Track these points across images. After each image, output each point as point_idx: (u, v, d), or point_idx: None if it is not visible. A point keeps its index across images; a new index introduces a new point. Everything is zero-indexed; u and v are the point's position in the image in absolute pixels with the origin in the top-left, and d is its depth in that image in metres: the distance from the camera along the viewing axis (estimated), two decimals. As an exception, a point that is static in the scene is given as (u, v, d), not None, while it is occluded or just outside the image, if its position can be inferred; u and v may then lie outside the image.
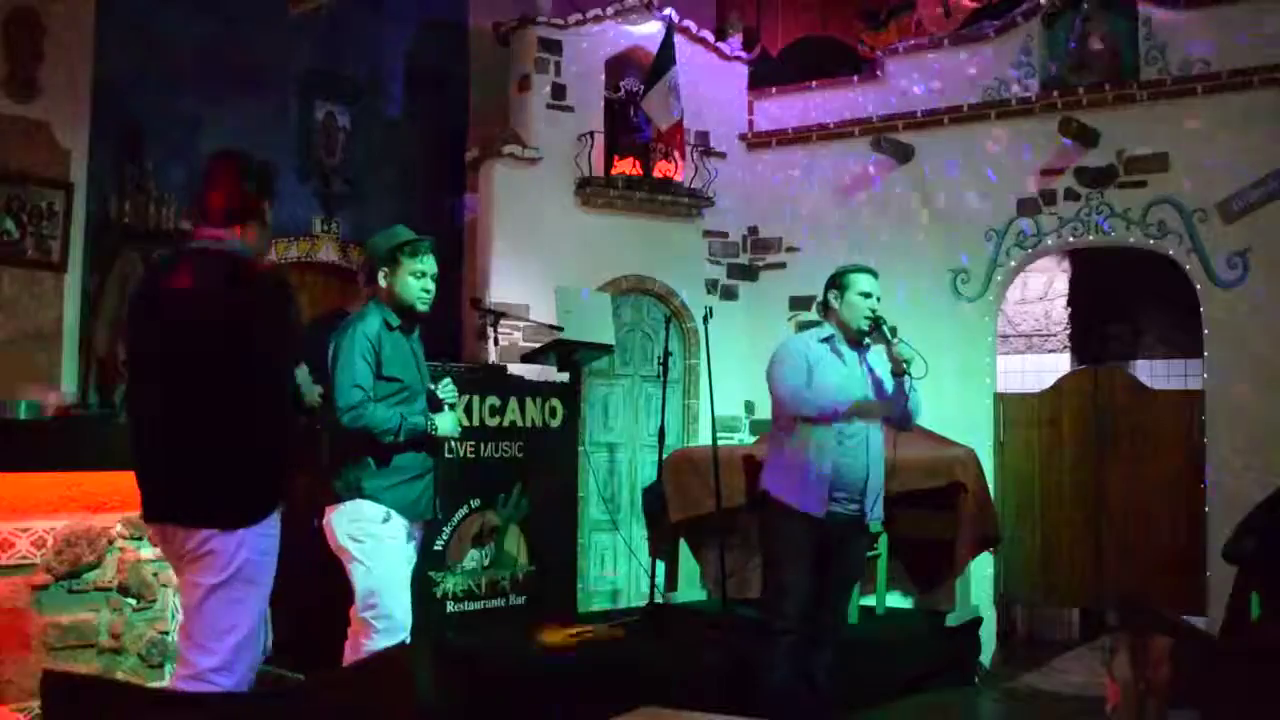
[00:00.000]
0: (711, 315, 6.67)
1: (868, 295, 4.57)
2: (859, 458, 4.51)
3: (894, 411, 4.58)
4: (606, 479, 7.81)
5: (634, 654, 5.88)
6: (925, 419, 7.10)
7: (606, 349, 6.55)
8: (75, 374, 6.25)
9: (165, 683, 4.24)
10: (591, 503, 7.61)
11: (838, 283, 4.65)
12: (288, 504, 3.27)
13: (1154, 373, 8.93)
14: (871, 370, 4.63)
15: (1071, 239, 7.30)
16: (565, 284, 6.79)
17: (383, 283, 4.06)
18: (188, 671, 3.12)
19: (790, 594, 4.53)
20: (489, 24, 8.16)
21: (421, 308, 4.07)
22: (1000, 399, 7.56)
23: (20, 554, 4.25)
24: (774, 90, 8.49)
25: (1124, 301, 9.24)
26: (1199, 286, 6.84)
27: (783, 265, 8.29)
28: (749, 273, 8.44)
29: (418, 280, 4.04)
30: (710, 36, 8.44)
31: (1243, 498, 5.69)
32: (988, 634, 7.07)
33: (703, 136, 8.26)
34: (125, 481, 3.38)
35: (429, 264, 4.07)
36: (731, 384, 7.74)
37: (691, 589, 7.54)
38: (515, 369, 6.31)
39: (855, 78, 8.18)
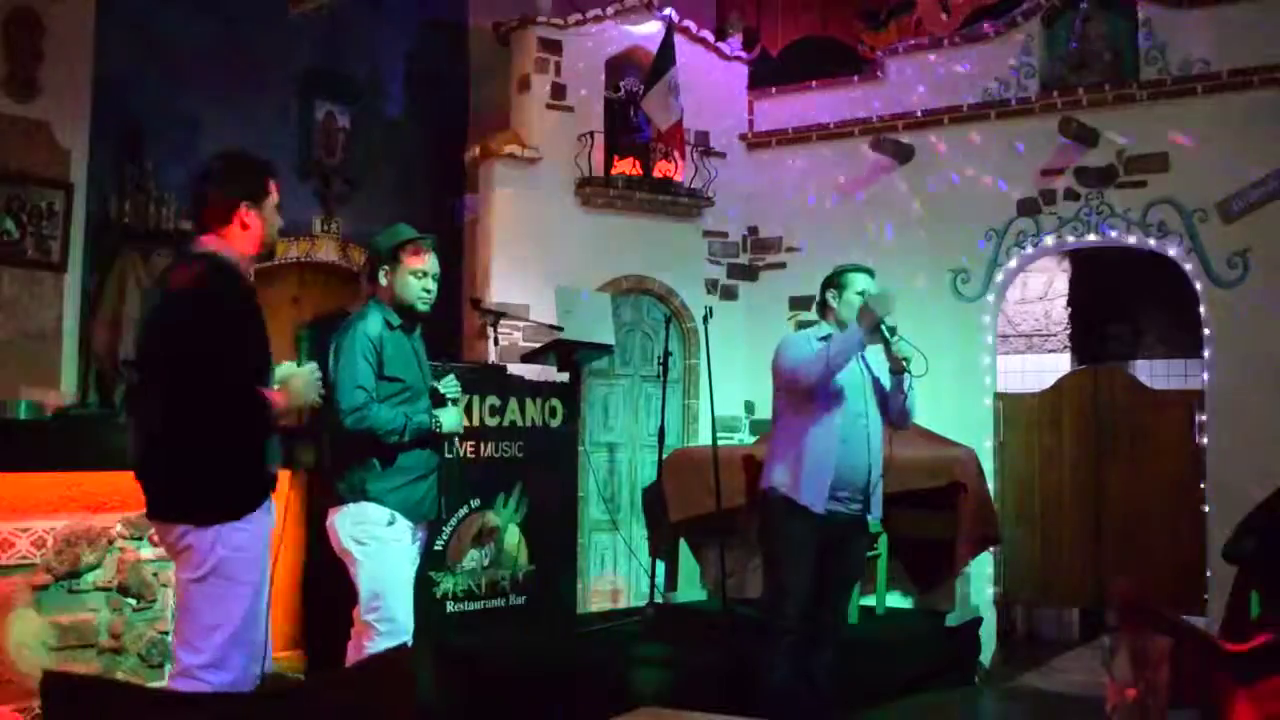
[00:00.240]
0: (711, 315, 6.66)
1: (865, 294, 4.57)
2: (860, 455, 4.51)
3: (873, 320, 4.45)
4: (606, 479, 7.81)
5: (634, 654, 5.88)
6: (925, 419, 7.13)
7: (606, 349, 6.55)
8: (75, 374, 6.25)
9: (164, 683, 4.24)
10: (591, 503, 7.61)
11: (835, 282, 4.66)
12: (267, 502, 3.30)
13: (1154, 373, 8.93)
14: (870, 369, 4.64)
15: (1071, 239, 7.30)
16: (565, 284, 6.79)
17: (383, 281, 4.02)
18: (178, 669, 3.15)
19: (790, 594, 4.52)
20: (489, 24, 8.16)
21: (422, 307, 4.04)
22: (1000, 399, 7.56)
23: (20, 554, 4.25)
24: (774, 90, 8.49)
25: (1124, 301, 9.24)
26: (1199, 286, 6.84)
27: (783, 265, 8.29)
28: (749, 273, 8.44)
29: (419, 280, 4.01)
30: (710, 36, 8.44)
31: (1243, 498, 5.68)
32: (988, 634, 7.07)
33: (703, 136, 8.26)
34: (125, 481, 3.38)
35: (431, 263, 4.04)
36: (731, 384, 7.74)
37: (691, 589, 7.54)
38: (515, 369, 6.31)
39: (855, 78, 8.19)
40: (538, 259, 7.56)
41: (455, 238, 7.91)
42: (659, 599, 6.77)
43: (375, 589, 3.87)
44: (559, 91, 7.84)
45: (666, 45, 7.62)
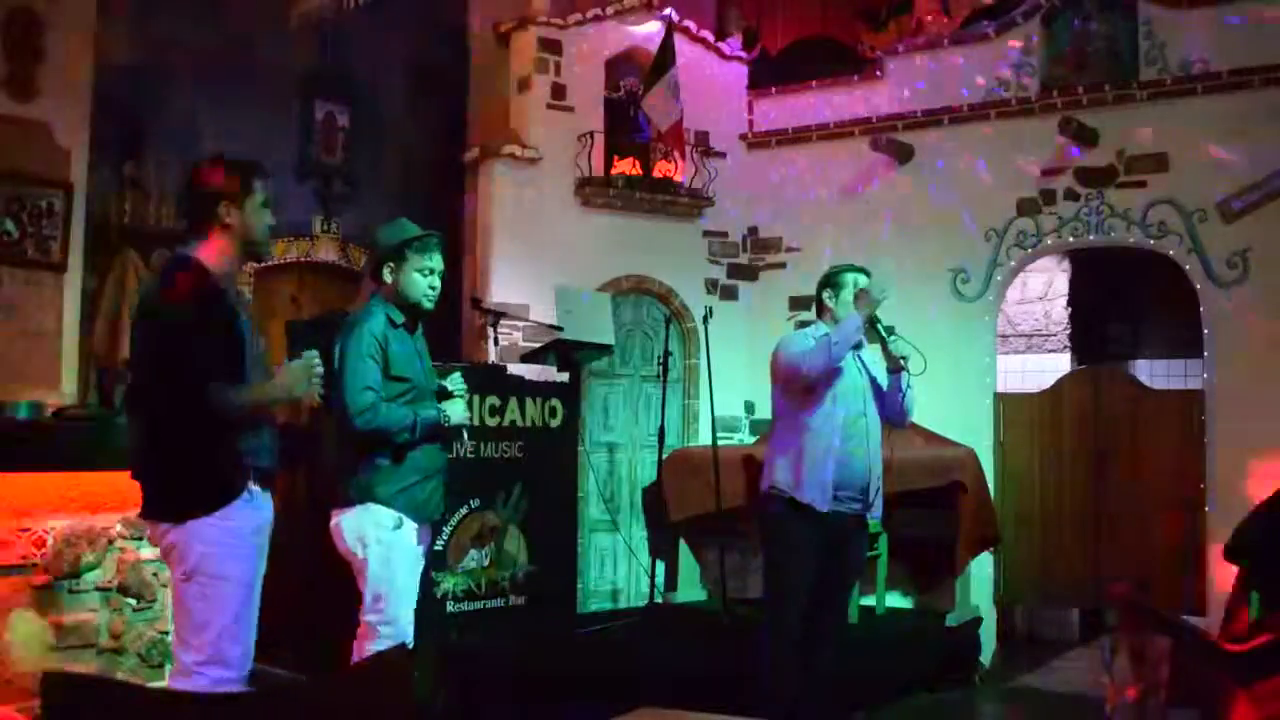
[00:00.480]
0: (711, 315, 6.67)
1: (865, 293, 4.58)
2: (860, 455, 4.51)
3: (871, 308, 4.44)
4: (606, 479, 7.81)
5: (634, 654, 5.88)
6: (925, 419, 7.15)
7: (606, 349, 6.56)
8: (75, 374, 6.25)
9: (164, 682, 4.24)
10: (591, 503, 7.61)
11: (831, 282, 4.67)
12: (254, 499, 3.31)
13: (1154, 373, 8.93)
14: (867, 369, 4.64)
15: (1071, 239, 7.30)
16: (565, 284, 6.79)
17: (388, 279, 3.98)
18: (176, 667, 3.19)
19: (791, 594, 4.53)
20: (489, 24, 8.16)
21: (427, 305, 4.01)
22: (1000, 399, 7.56)
23: (20, 554, 4.25)
24: (774, 90, 8.49)
25: (1124, 301, 9.24)
26: (1199, 286, 6.83)
27: (783, 265, 8.29)
28: (749, 273, 8.44)
29: (425, 277, 3.98)
30: (710, 36, 8.44)
31: (1243, 498, 5.69)
32: (988, 634, 7.07)
33: (703, 136, 8.26)
34: (125, 481, 3.39)
35: (437, 261, 4.02)
36: (731, 384, 7.74)
37: (691, 589, 7.55)
38: (515, 369, 6.31)
39: (855, 78, 8.18)
40: (538, 259, 7.56)
41: (455, 237, 7.91)
42: (659, 599, 6.78)
43: (378, 591, 3.86)
44: (559, 91, 7.84)
45: (666, 45, 7.62)
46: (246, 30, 7.11)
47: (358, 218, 7.58)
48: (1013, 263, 7.48)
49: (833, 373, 4.50)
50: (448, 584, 5.53)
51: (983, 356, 7.49)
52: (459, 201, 8.04)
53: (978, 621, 6.99)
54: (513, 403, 5.83)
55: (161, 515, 3.21)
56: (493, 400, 5.75)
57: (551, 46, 7.84)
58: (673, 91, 7.56)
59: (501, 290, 7.44)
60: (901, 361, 4.47)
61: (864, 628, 6.24)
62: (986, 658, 6.99)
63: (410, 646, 3.99)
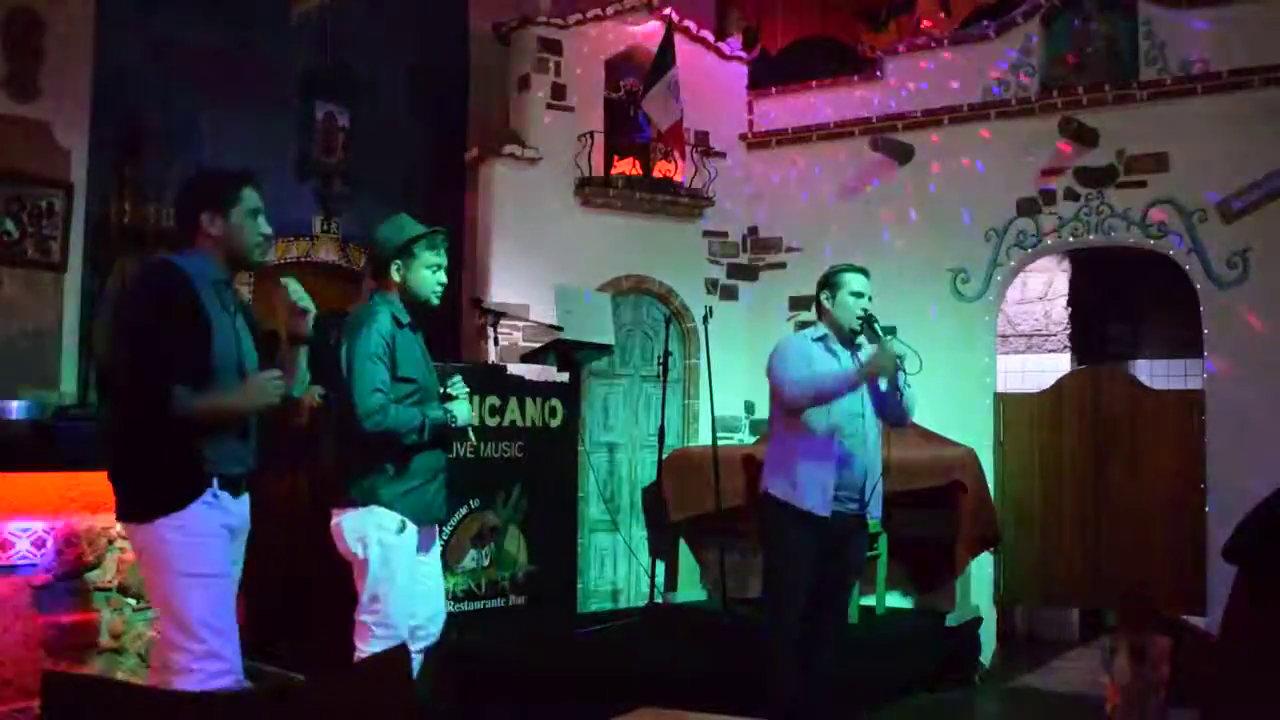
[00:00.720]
0: (711, 315, 6.67)
1: (859, 295, 4.57)
2: (858, 455, 4.52)
3: (887, 369, 4.47)
4: (606, 479, 7.81)
5: (634, 654, 5.88)
6: (925, 419, 7.14)
7: (606, 349, 6.55)
8: (75, 374, 6.25)
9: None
10: (591, 503, 7.61)
11: (829, 282, 4.67)
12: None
13: (1154, 373, 8.93)
14: (841, 364, 4.61)
15: (1071, 239, 7.30)
16: (565, 284, 6.79)
17: (396, 276, 3.94)
18: (168, 667, 3.21)
19: (790, 594, 4.53)
20: (489, 24, 8.16)
21: (435, 301, 3.99)
22: (1000, 399, 7.56)
23: (20, 554, 4.25)
24: (774, 90, 8.49)
25: (1124, 301, 9.24)
26: (1199, 286, 6.83)
27: (783, 265, 8.29)
28: (749, 273, 8.44)
29: (433, 274, 3.96)
30: (710, 36, 8.44)
31: (1243, 498, 5.66)
32: (988, 634, 7.07)
33: (703, 136, 8.26)
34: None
35: (444, 257, 4.01)
36: (731, 384, 7.74)
37: (691, 589, 7.55)
38: (515, 369, 6.31)
39: (855, 78, 8.18)
40: (538, 259, 7.56)
41: (455, 237, 7.91)
42: (659, 599, 6.78)
43: (376, 592, 3.86)
44: (559, 91, 7.84)
45: (666, 45, 7.62)
46: (246, 30, 7.11)
47: (358, 218, 7.58)
48: (1013, 263, 7.48)
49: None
50: (448, 584, 5.53)
51: (983, 356, 7.49)
52: (459, 201, 8.05)
53: (978, 621, 6.99)
54: (513, 403, 5.83)
55: (126, 516, 3.27)
56: (493, 400, 5.75)
57: (551, 46, 7.84)
58: (673, 91, 7.56)
59: (501, 290, 7.44)
60: (898, 362, 4.47)
61: (864, 628, 6.24)
62: (986, 658, 7.00)
63: (432, 645, 3.98)
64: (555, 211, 7.76)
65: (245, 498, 3.41)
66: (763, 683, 4.56)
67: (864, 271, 4.69)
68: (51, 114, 6.25)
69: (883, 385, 4.58)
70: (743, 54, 8.63)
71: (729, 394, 7.73)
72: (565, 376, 6.29)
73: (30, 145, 6.15)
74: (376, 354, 3.81)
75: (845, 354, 4.63)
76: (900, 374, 4.49)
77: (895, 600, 7.01)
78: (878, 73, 8.02)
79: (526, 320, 6.92)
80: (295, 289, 3.48)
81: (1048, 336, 9.10)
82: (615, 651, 6.01)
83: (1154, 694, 1.71)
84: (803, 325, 7.39)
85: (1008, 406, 7.57)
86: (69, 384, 6.17)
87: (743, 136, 8.46)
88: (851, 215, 8.00)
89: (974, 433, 7.17)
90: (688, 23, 8.23)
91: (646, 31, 8.07)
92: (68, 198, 6.26)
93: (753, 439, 7.97)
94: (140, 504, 3.24)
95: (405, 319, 3.95)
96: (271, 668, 4.92)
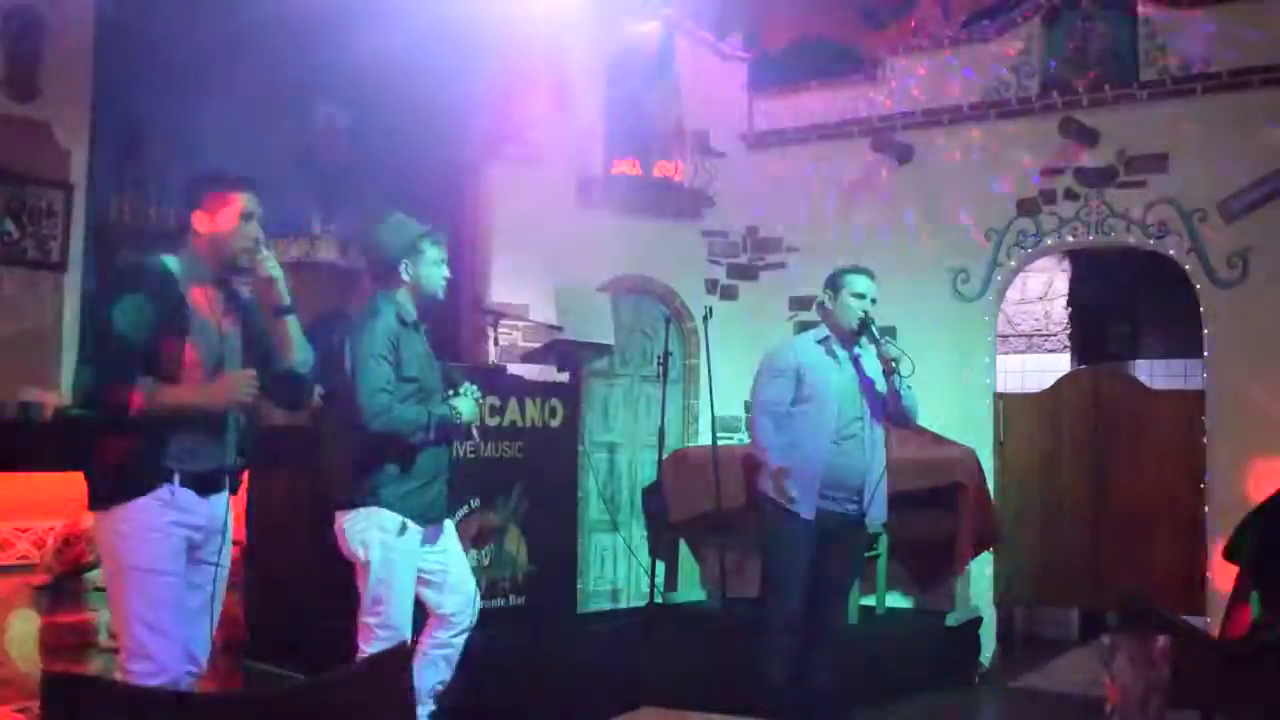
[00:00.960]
0: (711, 315, 6.66)
1: (861, 296, 4.59)
2: (854, 458, 4.52)
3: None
4: (606, 479, 7.80)
5: (634, 654, 5.88)
6: (925, 419, 7.11)
7: (606, 349, 6.55)
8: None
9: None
10: (591, 503, 7.60)
11: (833, 283, 4.69)
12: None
13: (1154, 373, 8.93)
14: (862, 371, 4.62)
15: (1071, 239, 7.30)
16: (565, 284, 6.79)
17: (406, 275, 3.97)
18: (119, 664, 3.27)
19: (786, 593, 4.55)
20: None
21: (441, 296, 4.05)
22: (1000, 399, 7.56)
23: (20, 554, 4.25)
24: (774, 90, 8.49)
25: (1124, 301, 9.24)
26: (1199, 286, 6.83)
27: (783, 265, 8.29)
28: (749, 273, 8.44)
29: (438, 268, 4.01)
30: (710, 36, 8.44)
31: (1243, 498, 5.69)
32: (988, 634, 7.07)
33: (703, 136, 8.26)
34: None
35: (445, 252, 4.07)
36: (731, 384, 7.72)
37: (691, 589, 7.55)
38: (515, 369, 6.31)
39: (855, 78, 8.18)
40: (538, 259, 7.56)
41: (455, 237, 7.90)
42: (659, 599, 6.77)
43: (378, 593, 3.86)
44: (559, 91, 7.83)
45: (666, 45, 7.62)
46: (247, 30, 7.10)
47: (358, 218, 7.57)
48: (1013, 263, 7.48)
49: (817, 380, 4.54)
50: (448, 584, 5.52)
51: (983, 356, 7.49)
52: (459, 201, 8.04)
53: (978, 621, 6.99)
54: (513, 403, 5.83)
55: (89, 505, 3.33)
56: (493, 400, 5.75)
57: (551, 46, 7.82)
58: (673, 91, 7.55)
59: (501, 290, 7.43)
60: (893, 364, 4.47)
61: (864, 628, 6.24)
62: (986, 658, 7.00)
63: (410, 646, 3.99)
64: (555, 211, 7.75)
65: (220, 498, 3.41)
66: (761, 682, 4.56)
67: (868, 273, 4.69)
68: (51, 114, 6.24)
69: (880, 388, 4.59)
70: (743, 54, 8.62)
71: (729, 394, 7.71)
72: (565, 376, 6.29)
73: (30, 145, 6.15)
74: (381, 353, 3.83)
75: (845, 356, 4.64)
76: (896, 377, 4.50)
77: (895, 600, 7.01)
78: (878, 73, 8.02)
79: (526, 320, 6.92)
80: (261, 258, 3.48)
81: (1048, 336, 9.10)
82: (615, 651, 6.01)
83: (1154, 694, 1.71)
84: (804, 326, 7.40)
85: (1008, 406, 7.57)
86: (69, 384, 6.16)
87: (743, 136, 8.46)
88: (851, 215, 8.00)
89: (974, 433, 7.17)
90: (688, 23, 8.22)
91: (646, 31, 8.06)
92: (68, 198, 6.25)
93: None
94: (96, 494, 3.30)
95: (409, 318, 3.96)
96: (271, 668, 4.92)
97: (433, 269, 3.99)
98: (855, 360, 4.63)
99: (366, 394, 3.79)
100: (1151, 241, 7.00)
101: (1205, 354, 6.85)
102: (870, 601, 6.63)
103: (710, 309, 6.74)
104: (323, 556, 5.08)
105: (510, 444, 5.82)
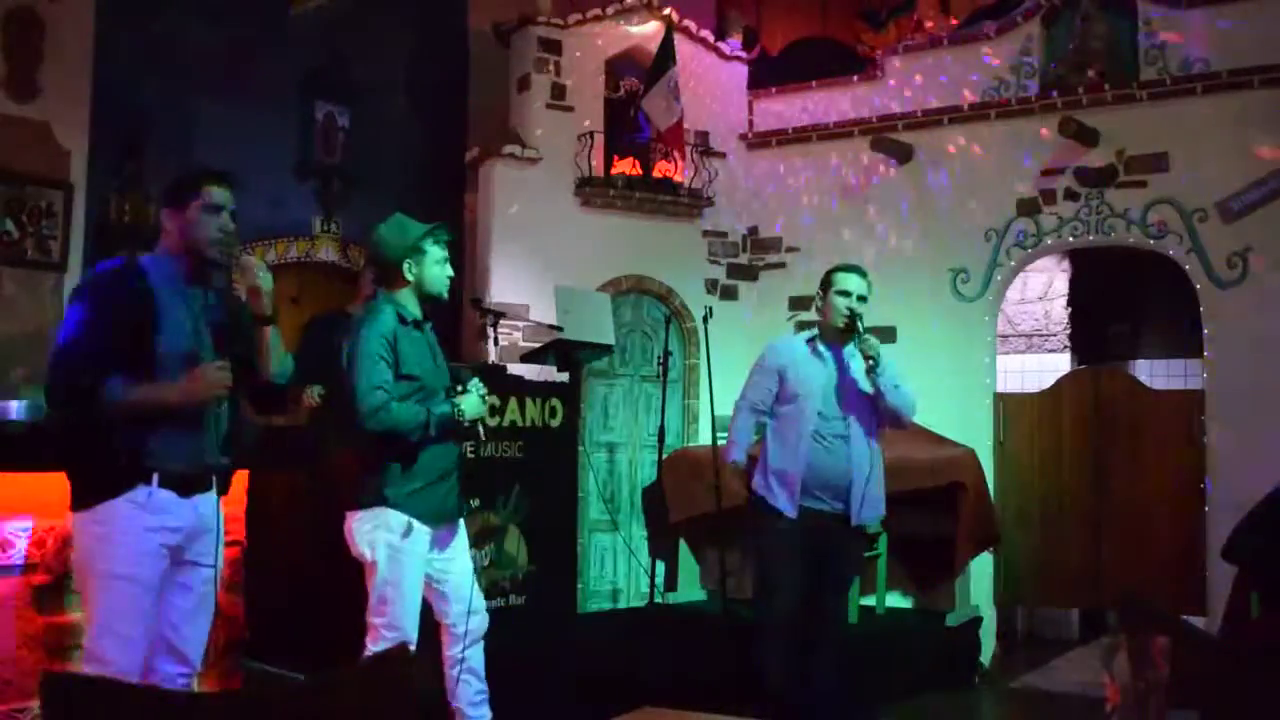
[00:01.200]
0: (711, 315, 6.66)
1: (847, 294, 4.57)
2: (841, 457, 4.51)
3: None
4: (606, 479, 7.81)
5: (634, 654, 5.88)
6: (925, 419, 7.12)
7: (606, 349, 6.55)
8: (75, 374, 6.24)
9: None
10: (591, 503, 7.61)
11: (824, 282, 4.70)
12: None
13: (1154, 373, 8.93)
14: (846, 370, 4.61)
15: (1071, 239, 7.30)
16: (565, 284, 6.79)
17: (409, 275, 3.96)
18: None
19: (775, 592, 4.57)
20: (489, 24, 8.16)
21: (445, 295, 4.05)
22: (1000, 399, 7.56)
23: (20, 554, 4.25)
24: (774, 90, 8.49)
25: (1124, 301, 9.23)
26: (1199, 286, 6.83)
27: (783, 265, 8.29)
28: (749, 273, 8.44)
29: (441, 267, 4.00)
30: (710, 36, 8.44)
31: (1243, 498, 5.68)
32: (988, 634, 7.07)
33: (703, 136, 8.26)
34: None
35: (447, 250, 4.06)
36: (731, 384, 7.66)
37: (691, 589, 7.55)
38: (515, 369, 6.31)
39: (855, 78, 8.18)
40: (538, 259, 7.56)
41: (455, 237, 7.90)
42: (659, 599, 6.77)
43: (383, 594, 3.86)
44: (559, 91, 7.84)
45: (666, 45, 7.62)
46: (246, 30, 7.11)
47: (358, 218, 7.58)
48: (1013, 263, 7.48)
49: (800, 379, 4.58)
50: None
51: (983, 356, 7.49)
52: (459, 201, 8.04)
53: (978, 621, 6.99)
54: (513, 403, 5.82)
55: (70, 506, 3.29)
56: (493, 400, 5.74)
57: (551, 46, 7.84)
58: (673, 91, 7.56)
59: (501, 290, 7.44)
60: (871, 361, 4.45)
61: (864, 628, 6.24)
62: (986, 658, 7.00)
63: (413, 647, 3.98)
64: (555, 211, 7.76)
65: (207, 497, 3.35)
66: (761, 682, 4.57)
67: (858, 271, 4.68)
68: (51, 114, 6.24)
69: (865, 388, 4.56)
70: (743, 54, 8.62)
71: (729, 394, 7.69)
72: (565, 376, 6.28)
73: (30, 145, 6.15)
74: (378, 353, 3.83)
75: (830, 354, 4.63)
76: (879, 375, 4.45)
77: (895, 600, 7.01)
78: (878, 73, 8.02)
79: (526, 320, 6.92)
80: (253, 266, 3.48)
81: (1048, 336, 9.10)
82: (615, 651, 6.01)
83: (1154, 694, 1.71)
84: (803, 326, 7.40)
85: (1008, 406, 7.57)
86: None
87: (743, 136, 8.46)
88: (851, 215, 8.00)
89: (974, 433, 7.17)
90: (688, 23, 8.22)
91: (646, 31, 8.07)
92: (68, 198, 6.26)
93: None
94: (73, 494, 3.26)
95: (411, 316, 3.96)
96: (272, 668, 4.92)
97: (436, 268, 3.98)
98: (839, 359, 4.62)
99: (361, 393, 3.79)
100: (1151, 241, 7.00)
101: (1205, 354, 6.85)
102: (870, 601, 6.63)
103: (710, 309, 6.74)
104: (322, 556, 5.08)
105: (510, 444, 5.82)
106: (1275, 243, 6.61)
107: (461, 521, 4.13)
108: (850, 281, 4.61)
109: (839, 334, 4.59)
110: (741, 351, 7.88)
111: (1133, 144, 7.03)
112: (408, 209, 4.28)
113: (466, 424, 3.95)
